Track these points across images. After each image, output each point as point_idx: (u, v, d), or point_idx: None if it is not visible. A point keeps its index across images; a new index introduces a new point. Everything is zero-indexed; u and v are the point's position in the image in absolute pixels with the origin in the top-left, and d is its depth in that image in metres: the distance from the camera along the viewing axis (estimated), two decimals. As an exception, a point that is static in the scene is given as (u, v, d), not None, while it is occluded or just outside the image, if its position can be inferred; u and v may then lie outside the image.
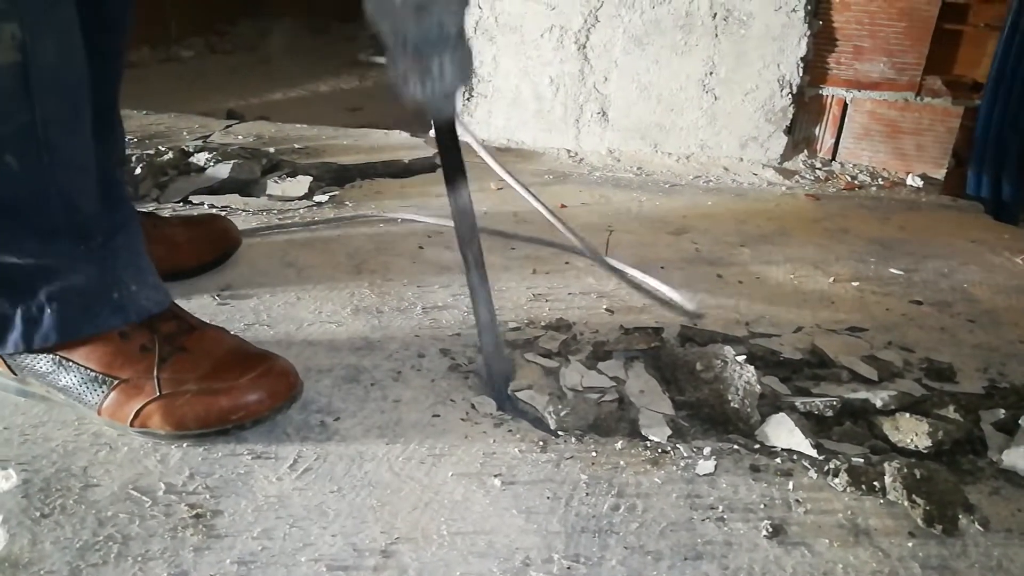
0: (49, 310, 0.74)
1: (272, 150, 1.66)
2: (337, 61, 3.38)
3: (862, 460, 0.80)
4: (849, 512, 0.74)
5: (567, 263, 1.28)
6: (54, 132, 0.68)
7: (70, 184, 0.72)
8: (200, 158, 1.54)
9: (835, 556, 0.68)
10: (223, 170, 1.48)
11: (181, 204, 1.41)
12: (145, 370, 0.76)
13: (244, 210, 1.39)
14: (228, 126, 1.88)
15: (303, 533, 0.67)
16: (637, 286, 1.01)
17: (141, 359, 0.77)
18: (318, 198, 1.48)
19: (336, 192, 1.54)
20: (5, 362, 0.79)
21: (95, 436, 0.77)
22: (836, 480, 0.77)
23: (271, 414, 0.79)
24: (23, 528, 0.65)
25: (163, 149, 1.59)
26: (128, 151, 1.60)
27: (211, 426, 0.76)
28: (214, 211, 1.36)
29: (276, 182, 1.50)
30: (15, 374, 0.79)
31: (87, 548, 0.64)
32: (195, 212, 1.37)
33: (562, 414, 0.83)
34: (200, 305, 1.05)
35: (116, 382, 0.76)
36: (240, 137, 1.80)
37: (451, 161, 0.80)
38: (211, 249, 1.15)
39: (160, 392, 0.76)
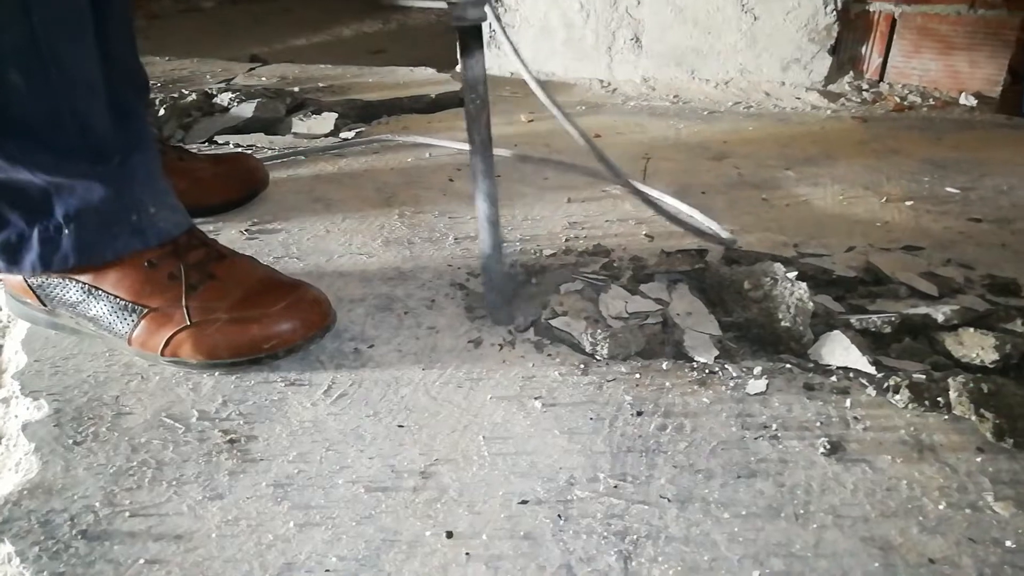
0: (67, 230, 0.72)
1: (296, 89, 1.62)
2: (360, 5, 3.30)
3: (924, 376, 0.75)
4: (912, 428, 0.70)
5: (603, 191, 1.23)
6: (58, 46, 0.65)
7: (81, 102, 0.69)
8: (224, 99, 1.51)
9: (898, 472, 0.65)
10: (247, 109, 1.45)
11: (206, 144, 1.38)
12: (174, 298, 0.74)
13: (269, 148, 1.36)
14: (251, 69, 1.84)
15: (340, 456, 0.65)
16: (667, 214, 0.96)
17: (170, 287, 0.75)
18: (344, 135, 1.44)
19: (362, 128, 1.50)
20: (35, 294, 0.77)
21: (126, 367, 0.76)
22: (897, 397, 0.73)
23: (304, 343, 0.77)
24: (55, 456, 0.64)
25: (186, 92, 1.56)
26: (152, 95, 1.57)
27: (243, 355, 0.74)
28: (241, 150, 1.33)
29: (301, 120, 1.46)
30: (45, 305, 0.78)
31: (121, 473, 0.62)
32: (222, 152, 1.34)
33: (600, 338, 0.79)
34: (228, 240, 1.02)
35: (145, 311, 0.74)
36: (264, 79, 1.76)
37: (469, 29, 0.74)
38: (237, 187, 1.13)
39: (190, 320, 0.74)
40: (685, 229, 0.97)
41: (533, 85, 0.96)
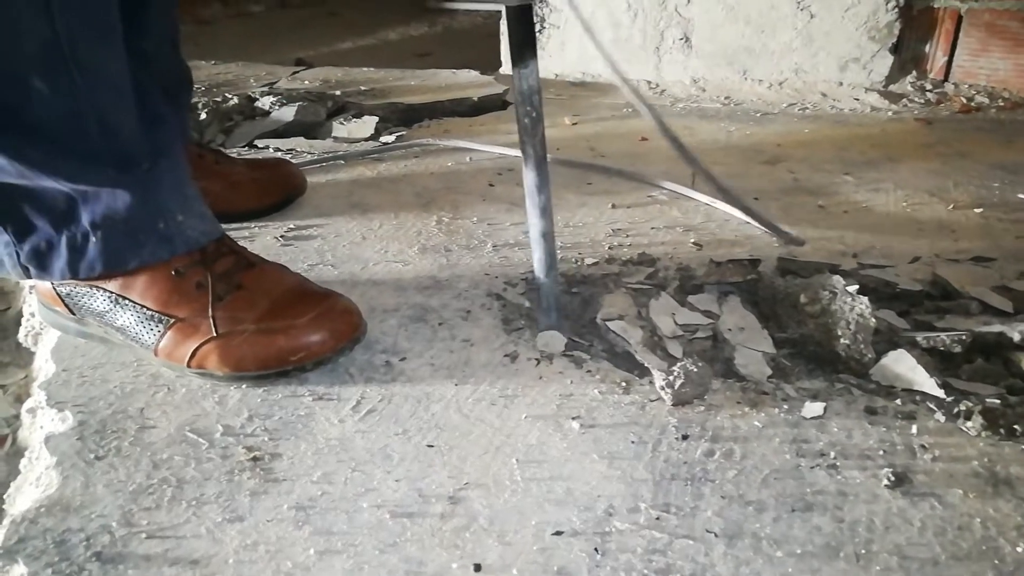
0: (94, 238, 0.70)
1: (338, 93, 1.61)
2: (406, 8, 3.30)
3: (998, 401, 0.69)
4: (986, 459, 0.64)
5: (649, 196, 1.18)
6: (83, 50, 0.63)
7: (107, 107, 0.67)
8: (265, 102, 1.50)
9: (971, 508, 0.59)
10: (288, 113, 1.43)
11: (246, 148, 1.37)
12: (201, 309, 0.72)
13: (309, 152, 1.34)
14: (294, 72, 1.84)
15: (365, 477, 0.62)
16: (733, 210, 0.91)
17: (197, 297, 0.73)
18: (384, 139, 1.42)
19: (403, 132, 1.48)
20: (64, 303, 0.76)
21: (153, 377, 0.74)
22: (968, 423, 0.67)
23: (333, 355, 0.74)
24: (76, 470, 0.62)
25: (229, 96, 1.56)
26: (195, 99, 1.57)
27: (270, 367, 0.72)
28: (280, 156, 1.31)
29: (342, 123, 1.45)
30: (74, 314, 0.76)
31: (140, 491, 0.60)
32: (261, 156, 1.33)
33: (674, 379, 0.70)
34: (263, 246, 1.01)
35: (172, 321, 0.72)
36: (306, 82, 1.76)
37: (521, 36, 0.70)
38: (274, 192, 1.11)
39: (216, 332, 0.71)
40: (757, 225, 0.92)
41: (625, 89, 0.91)
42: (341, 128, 1.43)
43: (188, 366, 0.72)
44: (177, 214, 0.72)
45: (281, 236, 1.04)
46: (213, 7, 3.04)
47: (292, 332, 0.72)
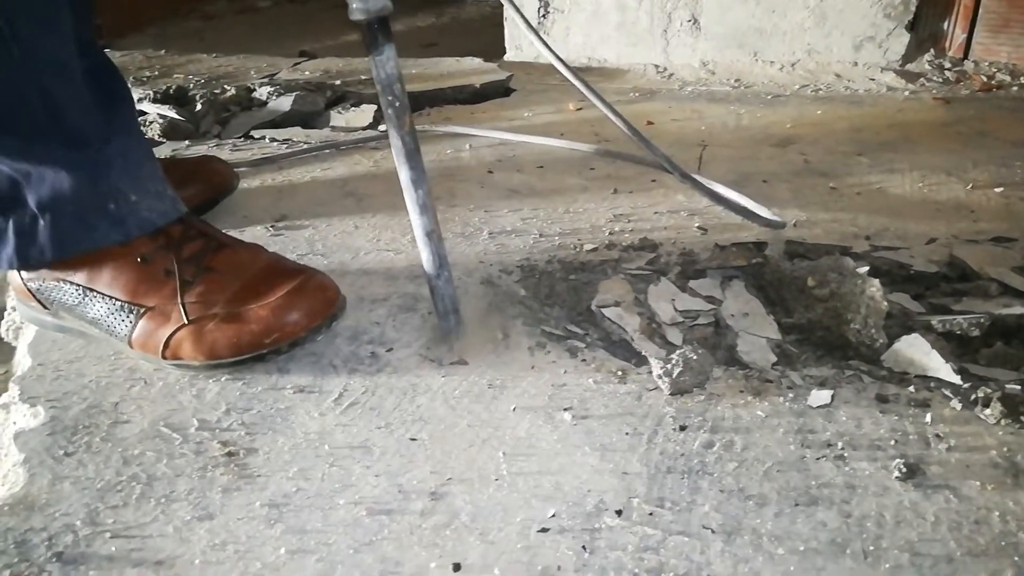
0: (42, 222, 0.68)
1: (338, 82, 1.58)
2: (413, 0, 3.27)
3: (1019, 387, 0.65)
4: (1005, 449, 0.60)
5: (653, 180, 1.14)
6: (22, 27, 0.61)
7: (51, 85, 0.64)
8: (263, 93, 1.48)
9: (989, 501, 0.55)
10: (285, 103, 1.41)
11: (242, 139, 1.35)
12: (170, 295, 0.69)
13: (306, 142, 1.31)
14: (296, 64, 1.81)
15: (344, 473, 0.59)
16: (714, 197, 0.86)
17: (165, 283, 0.70)
18: (383, 127, 1.39)
19: (403, 120, 1.44)
20: (36, 297, 0.74)
21: (130, 371, 0.71)
22: (987, 411, 0.63)
23: (309, 335, 0.70)
24: (44, 467, 0.59)
25: (227, 87, 1.54)
26: (192, 91, 1.55)
27: (244, 352, 0.68)
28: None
29: (340, 113, 1.42)
30: (47, 308, 0.74)
31: (108, 489, 0.57)
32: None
33: (673, 367, 0.66)
34: (252, 236, 0.98)
35: (143, 310, 0.70)
36: (307, 73, 1.73)
37: (379, 27, 0.65)
38: (197, 194, 1.00)
39: (187, 319, 0.68)
40: (726, 206, 0.87)
41: (566, 72, 0.86)
42: (339, 117, 1.41)
43: (163, 356, 0.69)
44: (130, 194, 0.70)
45: (271, 226, 1.01)
46: (219, 2, 3.02)
47: (264, 313, 0.68)
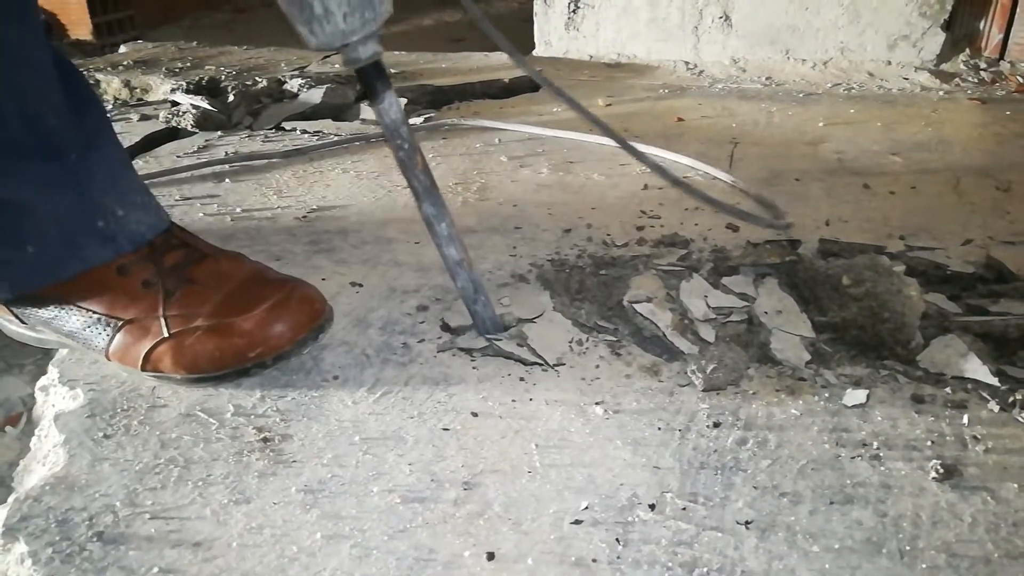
0: (31, 248, 0.65)
1: (368, 76, 1.59)
2: (443, -5, 3.27)
3: (1059, 390, 0.64)
4: (1045, 452, 0.59)
5: (685, 177, 1.14)
6: None
7: (26, 90, 0.62)
8: (294, 85, 1.49)
9: (1028, 505, 0.54)
10: (316, 95, 1.42)
11: (273, 131, 1.36)
12: (150, 308, 0.67)
13: (337, 134, 1.32)
14: (325, 57, 1.82)
15: (377, 461, 0.59)
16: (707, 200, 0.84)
17: (144, 296, 0.67)
18: (413, 121, 1.39)
19: (432, 114, 1.45)
20: (13, 312, 0.72)
21: (167, 356, 0.72)
22: (1026, 414, 0.62)
23: (295, 348, 0.67)
24: (84, 449, 0.60)
25: (258, 79, 1.55)
26: (224, 82, 1.57)
27: (228, 366, 0.66)
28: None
29: (368, 106, 1.42)
30: (24, 323, 0.72)
31: (147, 471, 0.58)
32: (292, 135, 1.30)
33: (706, 364, 0.67)
34: (283, 226, 0.99)
35: (120, 323, 0.67)
36: (336, 66, 1.74)
37: (369, 69, 0.65)
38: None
39: (168, 332, 0.66)
40: (718, 208, 0.85)
41: (491, 33, 0.83)
42: (369, 110, 1.41)
43: (143, 370, 0.67)
44: (117, 208, 0.67)
45: (303, 217, 1.02)
46: (250, -5, 3.05)
47: (248, 326, 0.66)
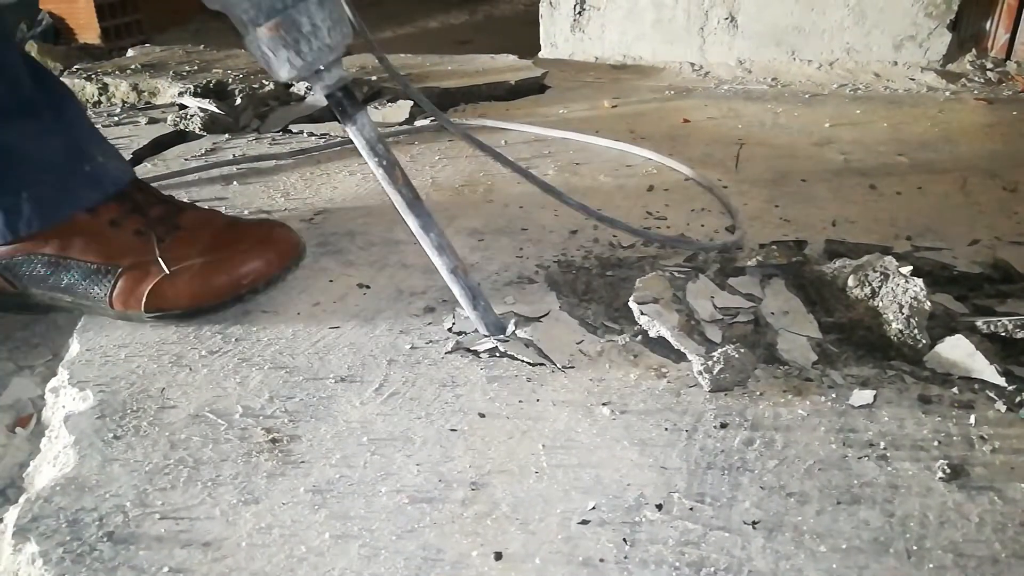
0: (26, 194, 0.72)
1: (374, 78, 1.59)
2: (448, -3, 3.28)
3: (1067, 391, 0.64)
4: (1053, 453, 0.59)
5: (688, 179, 1.14)
6: None
7: (4, 54, 0.69)
8: (300, 88, 1.49)
9: (1036, 505, 0.54)
10: (322, 98, 1.42)
11: (280, 133, 1.36)
12: (146, 252, 0.75)
13: (343, 136, 1.33)
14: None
15: (385, 461, 0.59)
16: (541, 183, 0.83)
17: (138, 243, 0.75)
18: (419, 123, 1.40)
19: (439, 116, 1.45)
20: (4, 277, 0.78)
21: (176, 357, 0.72)
22: (1034, 414, 0.62)
23: (281, 273, 0.81)
24: (94, 450, 0.61)
25: (265, 82, 1.55)
26: (231, 85, 1.58)
27: (225, 295, 0.77)
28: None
29: (376, 108, 1.43)
30: (15, 287, 0.78)
31: (156, 471, 0.59)
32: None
33: (713, 364, 0.66)
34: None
35: (120, 269, 0.75)
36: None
37: (345, 98, 0.68)
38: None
39: (167, 270, 0.74)
40: (612, 227, 0.87)
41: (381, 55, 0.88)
42: (376, 113, 1.42)
43: (145, 309, 0.74)
44: (97, 155, 0.75)
45: (309, 220, 1.02)
46: None
47: (238, 259, 0.77)
